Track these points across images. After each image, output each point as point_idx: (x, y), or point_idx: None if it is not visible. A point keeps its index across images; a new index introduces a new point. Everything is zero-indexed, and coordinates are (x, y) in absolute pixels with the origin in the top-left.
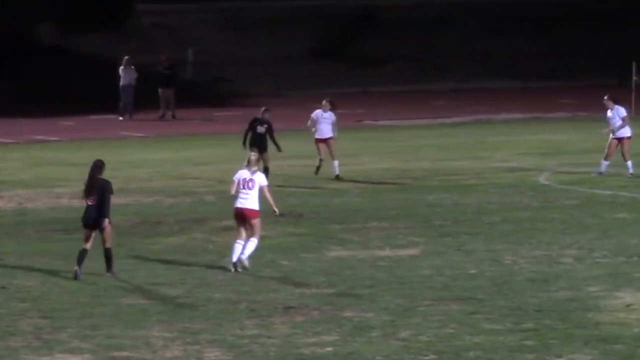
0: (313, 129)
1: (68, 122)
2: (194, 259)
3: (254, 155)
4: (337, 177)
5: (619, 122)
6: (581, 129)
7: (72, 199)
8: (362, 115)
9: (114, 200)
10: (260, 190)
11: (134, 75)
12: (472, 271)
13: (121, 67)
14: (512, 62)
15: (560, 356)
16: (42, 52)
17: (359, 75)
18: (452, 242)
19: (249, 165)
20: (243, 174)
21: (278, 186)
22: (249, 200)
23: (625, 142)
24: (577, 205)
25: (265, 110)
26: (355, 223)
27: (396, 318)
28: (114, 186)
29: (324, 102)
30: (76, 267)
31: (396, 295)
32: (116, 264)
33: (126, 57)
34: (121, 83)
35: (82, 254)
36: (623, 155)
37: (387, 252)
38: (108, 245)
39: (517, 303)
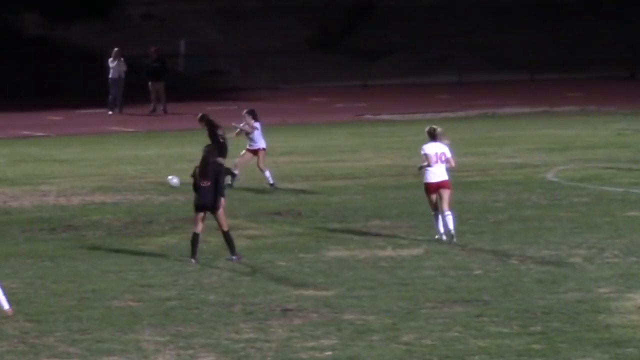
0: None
1: (55, 117)
2: (187, 259)
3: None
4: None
5: None
6: (590, 124)
7: (59, 197)
8: (362, 109)
9: (104, 199)
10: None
11: (124, 67)
12: (477, 272)
13: (110, 59)
14: (517, 53)
15: None
16: (26, 43)
17: (358, 68)
18: (456, 241)
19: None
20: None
21: (269, 185)
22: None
23: None
24: (587, 203)
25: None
26: (355, 222)
27: (398, 321)
28: (104, 184)
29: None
30: (192, 259)
31: (398, 297)
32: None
33: (115, 49)
34: (110, 76)
35: (195, 238)
36: None
37: (388, 252)
38: (225, 228)
39: (524, 305)
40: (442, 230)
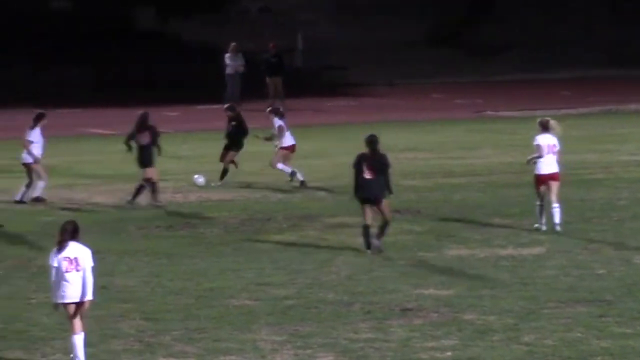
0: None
1: (172, 113)
2: (305, 257)
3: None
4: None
5: None
6: None
7: (176, 194)
8: (482, 106)
9: (220, 195)
10: None
11: (241, 62)
12: (600, 271)
13: (227, 54)
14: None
15: None
16: (141, 37)
17: (477, 63)
18: (578, 240)
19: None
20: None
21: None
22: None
23: None
24: None
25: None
26: (476, 220)
27: (519, 321)
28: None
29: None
30: (368, 250)
31: (519, 296)
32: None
33: (233, 44)
34: (227, 71)
35: (366, 230)
36: None
37: (509, 251)
38: (388, 218)
39: None
40: (543, 220)
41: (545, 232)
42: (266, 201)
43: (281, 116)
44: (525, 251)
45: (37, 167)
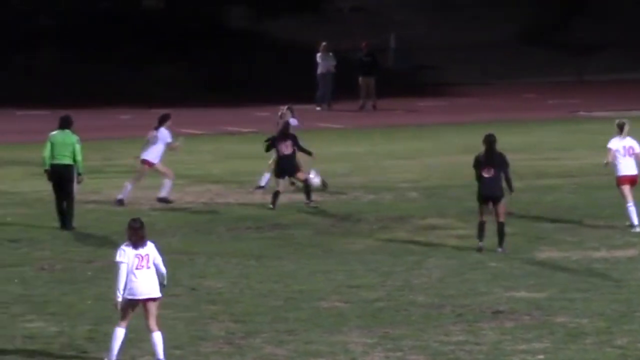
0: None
1: (262, 113)
2: (396, 259)
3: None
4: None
5: None
6: None
7: (266, 195)
8: (577, 106)
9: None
10: None
11: (333, 62)
12: None
13: (318, 54)
14: None
15: None
16: (232, 36)
17: (572, 62)
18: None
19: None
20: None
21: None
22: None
23: None
24: None
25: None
26: (568, 222)
27: (612, 324)
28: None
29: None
30: (480, 243)
31: (612, 299)
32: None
33: (324, 43)
34: (319, 71)
35: (482, 225)
36: None
37: (602, 253)
38: (502, 219)
39: None
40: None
41: (638, 235)
42: (356, 202)
43: (294, 115)
44: (619, 253)
45: (161, 168)
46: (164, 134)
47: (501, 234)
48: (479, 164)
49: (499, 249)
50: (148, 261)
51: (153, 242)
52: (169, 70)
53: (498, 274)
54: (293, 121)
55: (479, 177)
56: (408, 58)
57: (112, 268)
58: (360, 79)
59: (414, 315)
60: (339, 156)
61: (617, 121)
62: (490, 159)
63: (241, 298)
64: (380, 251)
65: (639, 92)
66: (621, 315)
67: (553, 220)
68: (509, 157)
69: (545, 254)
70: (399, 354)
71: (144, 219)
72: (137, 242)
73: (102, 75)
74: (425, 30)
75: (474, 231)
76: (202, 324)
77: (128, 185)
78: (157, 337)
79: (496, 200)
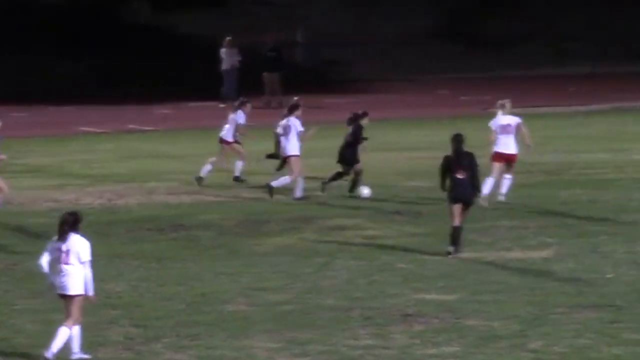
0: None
1: (163, 110)
2: (303, 261)
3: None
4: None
5: None
6: None
7: (168, 195)
8: (488, 103)
9: (215, 196)
10: None
11: (237, 57)
12: (610, 275)
13: (222, 49)
14: None
15: None
16: (134, 31)
17: (484, 58)
18: (588, 243)
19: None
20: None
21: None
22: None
23: None
24: None
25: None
26: (482, 222)
27: (526, 327)
28: (215, 181)
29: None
30: (450, 248)
31: (526, 301)
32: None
33: (228, 38)
34: (223, 66)
35: (456, 231)
36: None
37: (516, 253)
38: (458, 223)
39: None
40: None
41: (553, 235)
42: (263, 202)
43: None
44: (533, 254)
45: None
46: (294, 123)
47: (458, 236)
48: (450, 165)
49: (452, 250)
50: (67, 256)
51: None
52: (68, 66)
53: (408, 276)
54: (240, 116)
55: (451, 179)
56: (317, 53)
57: (10, 271)
58: (264, 74)
59: (321, 319)
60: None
61: (499, 101)
62: (461, 160)
63: (142, 302)
64: (287, 252)
65: (553, 88)
66: (535, 317)
67: (466, 220)
68: (420, 155)
69: (457, 254)
70: (306, 358)
71: (39, 220)
72: (59, 236)
73: None
74: (336, 24)
75: (383, 231)
76: (101, 329)
77: (299, 183)
78: (61, 331)
79: (468, 204)
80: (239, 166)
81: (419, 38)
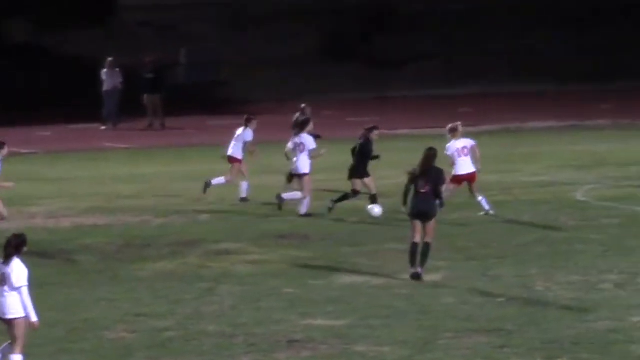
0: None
1: (44, 132)
2: (186, 286)
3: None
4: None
5: None
6: (624, 139)
7: (48, 219)
8: (378, 123)
9: (96, 221)
10: None
11: (119, 79)
12: (501, 299)
13: (104, 70)
14: (545, 63)
15: None
16: (14, 51)
17: (374, 78)
18: (478, 266)
19: None
20: None
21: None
22: None
23: None
24: (619, 224)
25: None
26: (370, 245)
27: (415, 352)
28: (96, 205)
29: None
30: (412, 269)
31: (415, 326)
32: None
33: (109, 59)
34: (104, 88)
35: (414, 248)
36: None
37: (406, 277)
38: (429, 239)
39: (551, 335)
40: None
41: (443, 258)
42: (145, 226)
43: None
44: (423, 278)
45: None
46: (308, 140)
47: (425, 254)
48: (415, 178)
49: (419, 269)
50: (4, 280)
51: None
52: None
53: (294, 301)
54: (248, 133)
55: (415, 192)
56: (201, 74)
57: None
58: (145, 96)
59: (205, 345)
60: (126, 178)
61: (449, 126)
62: (427, 175)
63: None
64: (169, 278)
65: (444, 109)
66: (425, 342)
67: (353, 244)
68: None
69: (345, 279)
70: None
71: None
72: (4, 258)
73: None
74: (220, 45)
75: (269, 256)
76: None
77: (307, 200)
78: None
79: (428, 218)
80: (244, 187)
81: (307, 58)
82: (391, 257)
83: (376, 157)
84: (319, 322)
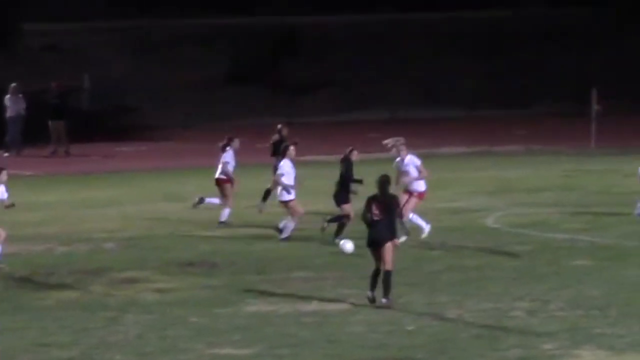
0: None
1: None
2: (90, 315)
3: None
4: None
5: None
6: (535, 164)
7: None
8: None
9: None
10: None
11: (23, 105)
12: (411, 327)
13: (7, 96)
14: (455, 87)
15: None
16: None
17: (282, 104)
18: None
19: None
20: None
21: (184, 234)
22: None
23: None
24: (531, 251)
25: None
26: (277, 273)
27: None
28: None
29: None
30: (369, 292)
31: (323, 355)
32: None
33: (13, 85)
34: (7, 114)
35: (374, 272)
36: None
37: (313, 306)
38: (388, 267)
39: None
40: None
41: (351, 287)
42: (49, 254)
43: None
44: (330, 306)
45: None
46: (287, 165)
47: (386, 283)
48: (370, 206)
49: (384, 300)
50: None
51: None
52: None
53: (201, 330)
54: (228, 155)
55: (370, 221)
56: (105, 100)
57: None
58: (49, 123)
59: None
60: (30, 205)
61: (389, 144)
62: (381, 202)
63: None
64: (74, 306)
65: (352, 134)
66: None
67: (260, 272)
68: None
69: (252, 307)
70: None
71: None
72: None
73: None
74: (126, 70)
75: (175, 284)
76: None
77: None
78: None
79: (381, 245)
80: (226, 212)
81: (216, 83)
82: (299, 286)
83: (359, 181)
84: (226, 351)
